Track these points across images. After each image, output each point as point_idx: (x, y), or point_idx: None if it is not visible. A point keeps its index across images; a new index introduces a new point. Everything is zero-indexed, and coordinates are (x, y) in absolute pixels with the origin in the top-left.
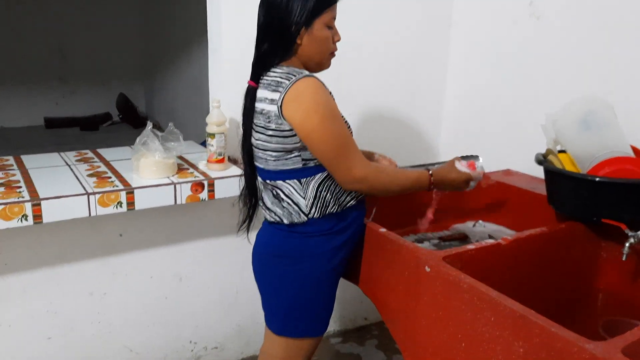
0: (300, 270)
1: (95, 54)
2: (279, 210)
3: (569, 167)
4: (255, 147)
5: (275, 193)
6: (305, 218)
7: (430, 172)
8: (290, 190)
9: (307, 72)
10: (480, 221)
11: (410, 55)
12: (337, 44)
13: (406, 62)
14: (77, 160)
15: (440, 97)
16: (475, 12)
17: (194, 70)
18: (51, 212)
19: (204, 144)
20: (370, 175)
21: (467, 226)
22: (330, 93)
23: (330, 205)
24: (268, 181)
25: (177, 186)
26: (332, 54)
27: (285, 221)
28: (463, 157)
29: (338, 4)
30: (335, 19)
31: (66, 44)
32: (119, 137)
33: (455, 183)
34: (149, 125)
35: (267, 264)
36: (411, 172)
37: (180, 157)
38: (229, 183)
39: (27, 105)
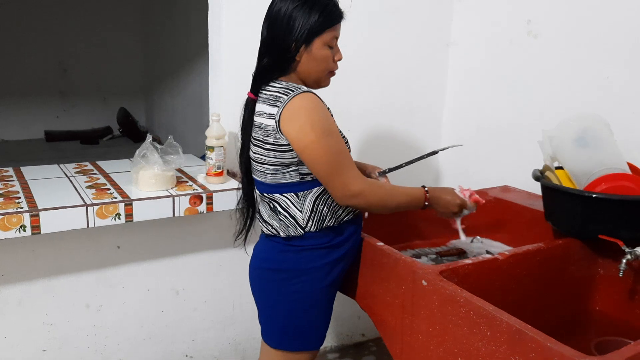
0: (297, 284)
1: (96, 69)
2: (275, 223)
3: (566, 184)
4: (254, 161)
5: (272, 206)
6: (302, 231)
7: (426, 189)
8: (287, 203)
9: (305, 88)
10: (478, 237)
11: (409, 73)
12: (338, 62)
13: (405, 80)
14: (76, 172)
15: (439, 114)
16: (474, 31)
17: (194, 86)
18: (49, 223)
19: (203, 158)
20: (366, 190)
21: (465, 242)
22: (329, 109)
23: (327, 219)
24: (265, 194)
25: (176, 199)
26: (331, 73)
27: (282, 234)
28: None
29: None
30: (337, 38)
31: (67, 58)
32: (119, 151)
33: (450, 205)
34: (149, 138)
35: (264, 278)
36: (407, 188)
37: (179, 170)
38: (228, 196)
39: (28, 118)
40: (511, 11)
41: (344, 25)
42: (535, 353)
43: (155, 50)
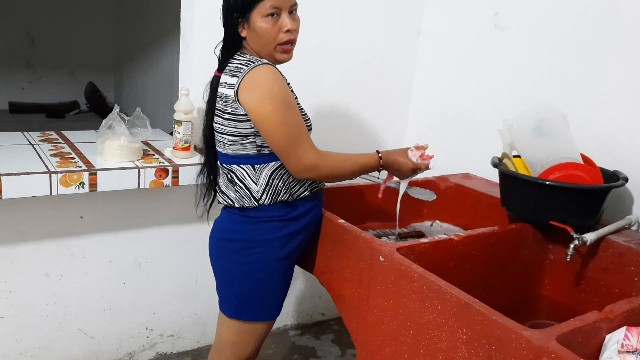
0: (252, 255)
1: (66, 41)
2: (232, 194)
3: (522, 171)
4: (215, 131)
5: (229, 177)
6: (256, 203)
7: (380, 154)
8: (243, 174)
9: (266, 61)
10: (438, 221)
11: (379, 59)
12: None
13: (375, 65)
14: (40, 140)
15: (406, 101)
16: (444, 21)
17: (165, 64)
18: (11, 188)
19: (171, 134)
20: (320, 162)
21: (425, 225)
22: (289, 84)
23: (282, 193)
24: (224, 165)
25: (142, 170)
26: (285, 46)
27: (237, 205)
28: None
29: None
30: (280, 8)
31: (35, 28)
32: (86, 126)
33: (403, 166)
34: (116, 108)
35: (221, 248)
36: (360, 155)
37: (146, 143)
38: (194, 171)
39: None
40: (480, 3)
41: (316, 9)
42: (481, 325)
43: (127, 25)
